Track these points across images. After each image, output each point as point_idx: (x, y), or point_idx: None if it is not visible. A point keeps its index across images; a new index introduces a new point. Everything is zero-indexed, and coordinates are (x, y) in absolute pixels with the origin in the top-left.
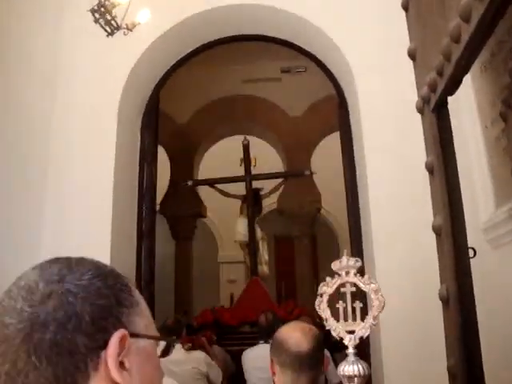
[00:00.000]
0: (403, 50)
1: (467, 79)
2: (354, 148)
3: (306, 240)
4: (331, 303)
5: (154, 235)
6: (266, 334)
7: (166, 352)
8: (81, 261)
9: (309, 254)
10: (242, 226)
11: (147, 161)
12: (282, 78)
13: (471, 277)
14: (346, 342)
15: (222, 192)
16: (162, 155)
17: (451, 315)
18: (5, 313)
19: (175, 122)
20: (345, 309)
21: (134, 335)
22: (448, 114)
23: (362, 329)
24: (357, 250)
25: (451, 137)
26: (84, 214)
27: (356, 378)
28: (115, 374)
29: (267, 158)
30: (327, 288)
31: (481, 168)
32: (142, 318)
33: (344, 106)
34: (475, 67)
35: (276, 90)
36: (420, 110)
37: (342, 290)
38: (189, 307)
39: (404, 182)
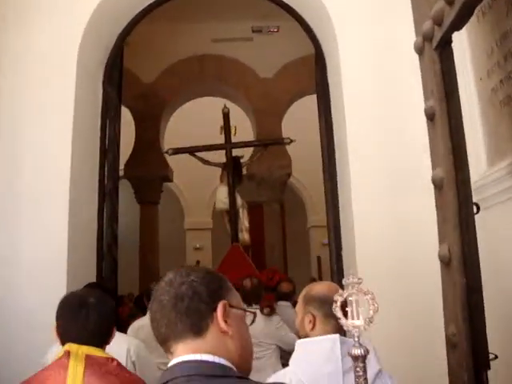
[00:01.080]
0: None
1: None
2: (332, 109)
3: (275, 206)
4: None
5: (117, 196)
6: (251, 298)
7: (252, 322)
8: (199, 267)
9: (278, 220)
10: (222, 194)
11: (109, 117)
12: (254, 38)
13: (476, 234)
14: (352, 333)
15: (202, 160)
16: (127, 115)
17: (453, 277)
18: (162, 295)
19: (141, 81)
20: (352, 311)
21: (230, 306)
22: (452, 54)
23: (363, 325)
24: (333, 218)
25: (455, 79)
26: (39, 174)
27: (360, 358)
28: (222, 324)
29: (237, 120)
30: (340, 297)
31: (473, 124)
32: (235, 298)
33: (321, 63)
34: None
35: (247, 50)
36: (419, 50)
37: (350, 298)
38: (156, 274)
39: (388, 144)
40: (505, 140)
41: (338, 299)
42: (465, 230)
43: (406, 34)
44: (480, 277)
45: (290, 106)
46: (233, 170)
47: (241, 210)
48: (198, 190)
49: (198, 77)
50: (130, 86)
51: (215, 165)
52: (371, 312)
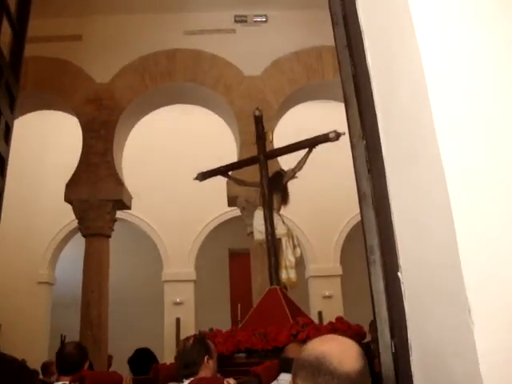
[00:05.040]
0: None
1: None
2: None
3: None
4: None
5: None
6: (183, 367)
7: None
8: None
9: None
10: (258, 221)
11: None
12: (236, 30)
13: None
14: None
15: (237, 181)
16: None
17: None
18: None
19: (93, 81)
20: None
21: None
22: None
23: None
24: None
25: None
26: None
27: None
28: None
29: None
30: None
31: None
32: None
33: None
34: None
35: (228, 43)
36: None
37: None
38: (99, 330)
39: None
40: None
41: None
42: None
43: None
44: None
45: (285, 114)
46: (269, 188)
47: (283, 240)
48: (178, 234)
49: (165, 76)
50: (79, 89)
51: (253, 185)
52: None
